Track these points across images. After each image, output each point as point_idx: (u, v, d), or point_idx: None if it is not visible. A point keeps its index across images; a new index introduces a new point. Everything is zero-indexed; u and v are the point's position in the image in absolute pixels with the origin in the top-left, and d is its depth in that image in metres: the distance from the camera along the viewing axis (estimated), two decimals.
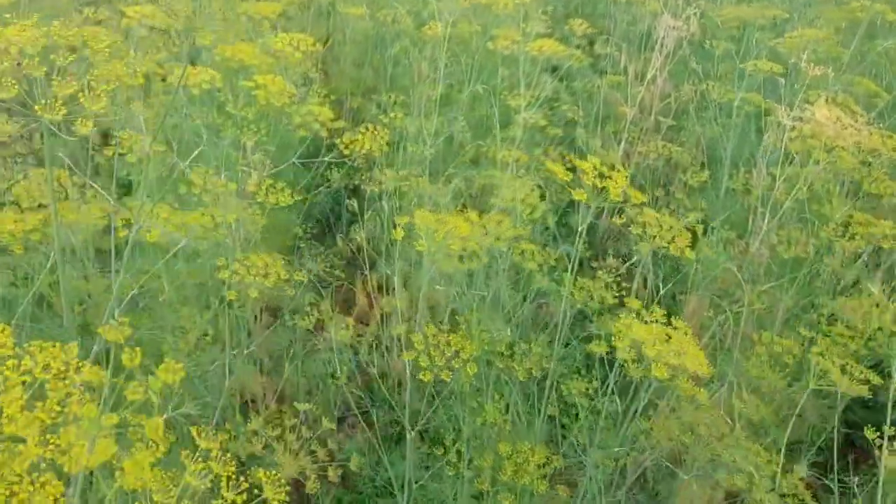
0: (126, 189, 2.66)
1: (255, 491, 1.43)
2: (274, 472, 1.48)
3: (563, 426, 2.16)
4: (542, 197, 2.28)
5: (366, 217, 2.69)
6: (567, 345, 2.28)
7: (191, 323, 2.27)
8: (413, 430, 2.04)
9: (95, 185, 2.23)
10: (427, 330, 1.91)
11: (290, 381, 2.65)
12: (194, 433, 1.34)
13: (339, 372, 2.47)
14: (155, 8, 3.11)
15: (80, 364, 1.29)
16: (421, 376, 1.84)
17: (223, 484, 1.34)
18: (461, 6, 3.17)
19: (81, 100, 1.79)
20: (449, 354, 1.83)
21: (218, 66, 2.88)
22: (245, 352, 2.47)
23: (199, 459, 1.32)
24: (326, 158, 2.80)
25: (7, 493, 1.15)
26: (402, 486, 2.20)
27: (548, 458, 1.99)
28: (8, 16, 2.01)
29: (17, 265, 2.26)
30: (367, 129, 2.57)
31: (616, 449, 1.99)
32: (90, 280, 2.37)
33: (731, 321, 2.46)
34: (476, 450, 2.06)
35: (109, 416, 1.26)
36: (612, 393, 1.96)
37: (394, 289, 2.41)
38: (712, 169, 3.57)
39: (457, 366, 1.79)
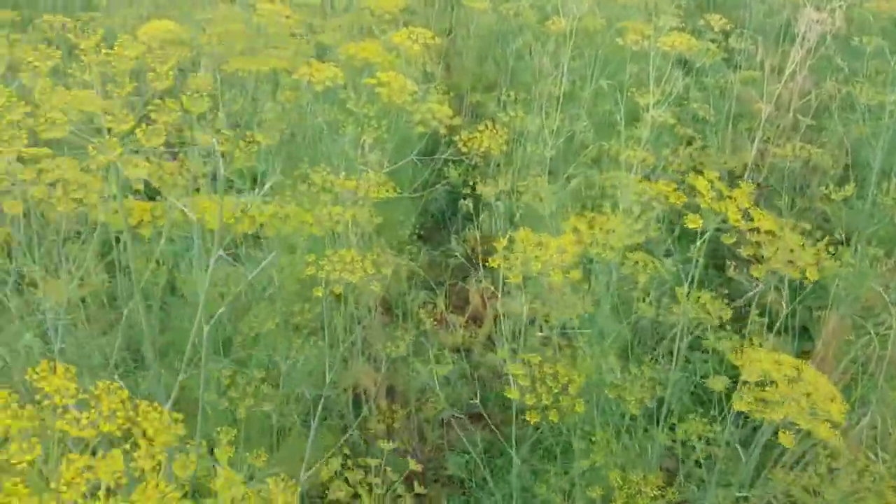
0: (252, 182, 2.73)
1: None
2: None
3: (681, 460, 2.03)
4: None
5: (481, 217, 2.66)
6: (687, 362, 2.15)
7: (304, 317, 2.30)
8: (518, 448, 1.99)
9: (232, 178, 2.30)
10: (531, 359, 1.80)
11: (402, 377, 2.65)
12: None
13: (451, 371, 2.45)
14: (283, 5, 3.18)
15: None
16: (527, 417, 1.75)
17: None
18: (587, 1, 3.06)
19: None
20: (556, 391, 1.72)
21: (342, 64, 2.92)
22: (358, 347, 2.49)
23: None
24: (444, 156, 2.78)
25: None
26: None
27: (661, 491, 1.87)
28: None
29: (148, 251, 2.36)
30: (485, 126, 2.52)
31: (738, 494, 1.85)
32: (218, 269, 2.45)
33: (877, 345, 2.25)
34: (584, 477, 1.97)
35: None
36: (733, 426, 1.83)
37: (508, 291, 2.36)
38: (856, 175, 3.30)
39: (564, 403, 1.69)
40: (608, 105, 3.30)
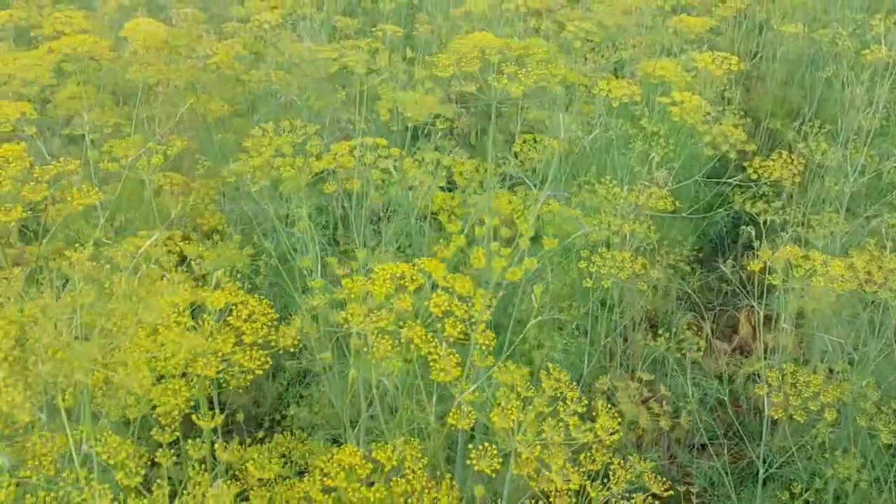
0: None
1: None
2: None
3: None
4: None
5: (763, 246, 2.57)
6: None
7: (570, 314, 2.42)
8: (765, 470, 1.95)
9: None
10: (786, 367, 1.84)
11: (656, 393, 2.67)
12: None
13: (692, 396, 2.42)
14: (590, 22, 3.32)
15: None
16: (771, 412, 1.77)
17: None
18: None
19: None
20: (807, 395, 1.74)
21: (638, 80, 2.99)
22: (617, 358, 2.55)
23: None
24: (731, 180, 2.74)
25: None
26: None
27: None
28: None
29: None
30: (780, 155, 2.46)
31: None
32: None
33: None
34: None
35: None
36: None
37: (783, 328, 2.28)
38: None
39: (814, 408, 1.68)
40: None
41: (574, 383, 1.41)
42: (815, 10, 4.48)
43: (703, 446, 2.55)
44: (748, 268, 1.97)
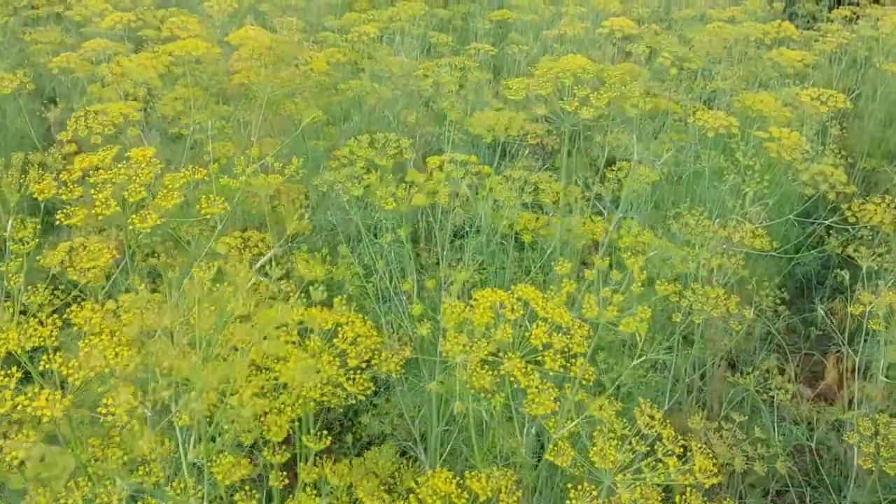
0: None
1: None
2: None
3: None
4: None
5: (857, 293, 2.49)
6: None
7: (652, 346, 2.38)
8: None
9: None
10: (879, 417, 1.81)
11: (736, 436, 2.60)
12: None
13: (777, 441, 2.34)
14: (686, 49, 3.28)
15: None
16: (860, 462, 1.73)
17: None
18: None
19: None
20: None
21: (734, 112, 2.93)
22: (694, 394, 2.49)
23: None
24: (827, 221, 2.65)
25: None
26: None
27: None
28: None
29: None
30: (882, 199, 2.37)
31: None
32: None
33: None
34: None
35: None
36: None
37: (871, 375, 2.20)
38: None
39: None
40: None
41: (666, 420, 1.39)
42: None
43: (780, 493, 2.46)
44: (849, 311, 1.90)
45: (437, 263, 2.43)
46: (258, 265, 1.53)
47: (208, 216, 1.66)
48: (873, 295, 1.85)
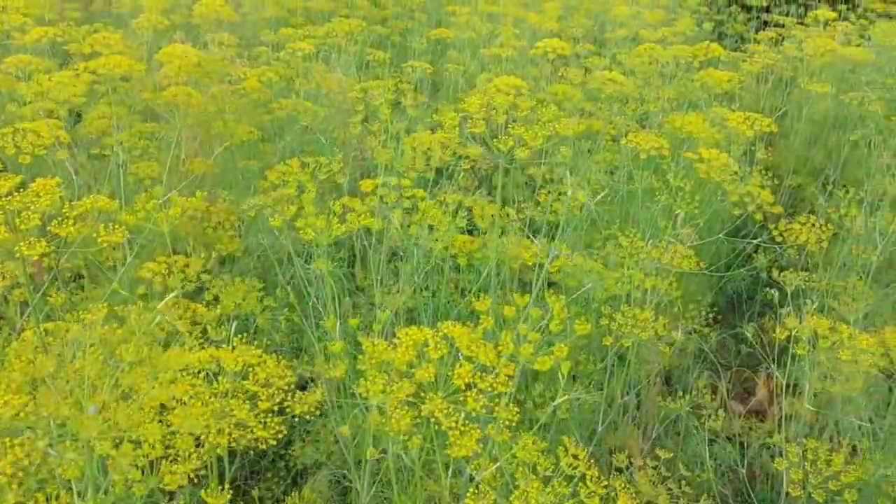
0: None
1: None
2: None
3: None
4: None
5: (785, 309, 2.55)
6: None
7: (586, 367, 2.39)
8: None
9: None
10: (808, 443, 1.83)
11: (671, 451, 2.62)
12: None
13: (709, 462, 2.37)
14: (616, 72, 3.32)
15: None
16: (789, 490, 1.74)
17: None
18: None
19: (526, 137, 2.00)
20: (827, 474, 1.70)
21: (665, 133, 2.98)
22: (630, 413, 2.51)
23: None
24: (755, 241, 2.71)
25: None
26: None
27: None
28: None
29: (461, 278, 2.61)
30: (806, 220, 2.43)
31: None
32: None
33: None
34: None
35: None
36: None
37: (805, 407, 2.24)
38: None
39: (833, 488, 1.64)
40: None
41: (591, 459, 1.37)
42: (843, 71, 4.48)
43: None
44: (772, 335, 1.93)
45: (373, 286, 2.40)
46: (160, 306, 1.47)
47: (120, 242, 1.59)
48: (798, 319, 1.89)
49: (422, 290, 2.35)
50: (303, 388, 1.99)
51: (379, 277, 2.45)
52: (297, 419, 2.59)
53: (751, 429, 2.58)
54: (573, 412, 2.11)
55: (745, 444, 2.49)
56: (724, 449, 2.52)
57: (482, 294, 2.72)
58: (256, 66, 3.32)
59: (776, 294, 2.42)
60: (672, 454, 2.03)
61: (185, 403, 1.23)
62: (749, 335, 2.36)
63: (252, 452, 2.55)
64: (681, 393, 2.35)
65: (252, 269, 2.60)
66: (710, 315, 2.82)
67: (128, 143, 2.52)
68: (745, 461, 2.26)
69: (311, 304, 1.99)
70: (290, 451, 2.44)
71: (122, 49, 2.58)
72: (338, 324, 1.68)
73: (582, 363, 2.31)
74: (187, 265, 1.92)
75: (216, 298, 2.09)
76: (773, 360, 2.43)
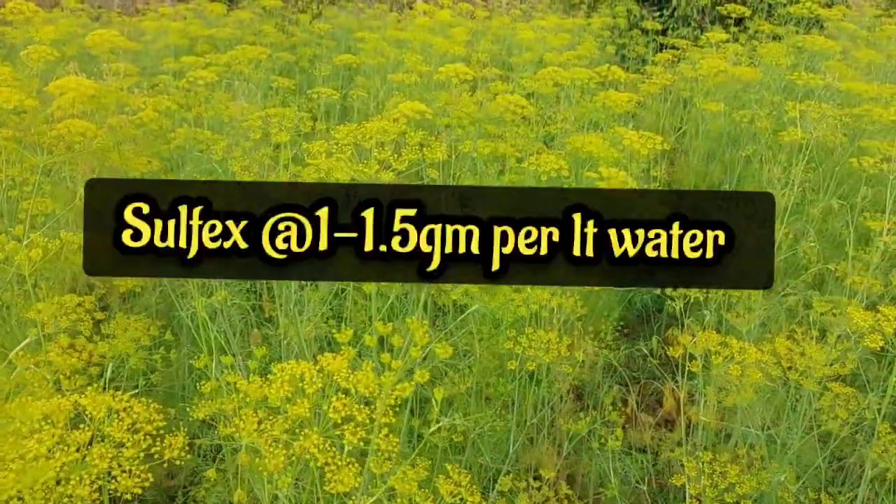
0: None
1: None
2: None
3: None
4: None
5: (688, 321, 2.64)
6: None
7: (496, 390, 2.41)
8: None
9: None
10: (703, 456, 1.87)
11: (583, 466, 2.66)
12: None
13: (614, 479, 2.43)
14: (518, 95, 3.39)
15: None
16: None
17: None
18: (829, 117, 2.99)
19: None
20: (723, 487, 1.77)
21: (567, 154, 3.06)
22: (545, 431, 2.54)
23: None
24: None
25: None
26: None
27: None
28: None
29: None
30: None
31: None
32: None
33: None
34: None
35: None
36: None
37: (702, 420, 2.32)
38: None
39: (730, 501, 1.70)
40: (838, 224, 3.15)
41: (479, 489, 1.38)
42: (735, 90, 4.70)
43: None
44: (669, 351, 1.99)
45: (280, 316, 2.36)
46: (13, 352, 1.41)
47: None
48: (692, 334, 1.95)
49: (327, 320, 2.33)
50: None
51: (289, 307, 2.42)
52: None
53: (661, 440, 2.65)
54: (484, 435, 2.13)
55: (658, 454, 2.56)
56: (636, 461, 2.58)
57: (391, 321, 2.71)
58: (156, 95, 3.24)
59: (679, 305, 2.50)
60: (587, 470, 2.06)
61: (48, 455, 1.16)
62: (653, 348, 2.42)
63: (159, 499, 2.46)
64: (591, 408, 2.40)
65: (153, 305, 2.52)
66: (620, 329, 2.89)
67: (19, 178, 2.41)
68: (655, 473, 2.32)
69: (213, 337, 1.94)
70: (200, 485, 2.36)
71: (10, 83, 2.49)
72: (239, 358, 1.64)
73: (493, 385, 2.33)
74: (80, 304, 1.85)
75: (107, 337, 2.01)
76: (677, 371, 2.51)
